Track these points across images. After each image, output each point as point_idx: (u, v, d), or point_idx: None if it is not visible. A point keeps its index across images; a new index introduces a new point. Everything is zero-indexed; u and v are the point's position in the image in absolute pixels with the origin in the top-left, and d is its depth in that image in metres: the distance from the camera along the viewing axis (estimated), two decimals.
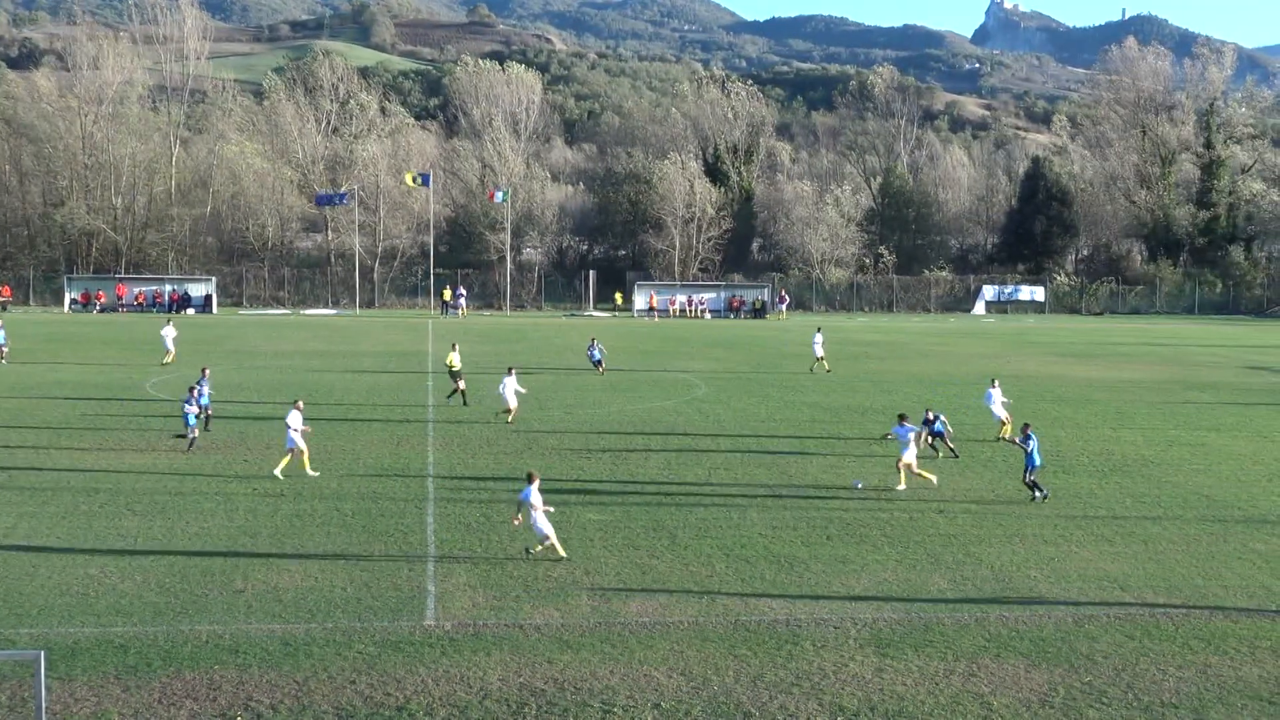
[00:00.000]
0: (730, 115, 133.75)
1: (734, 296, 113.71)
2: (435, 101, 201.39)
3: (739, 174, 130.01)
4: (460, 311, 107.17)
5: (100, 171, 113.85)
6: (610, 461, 38.47)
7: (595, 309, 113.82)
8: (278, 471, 35.30)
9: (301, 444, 35.51)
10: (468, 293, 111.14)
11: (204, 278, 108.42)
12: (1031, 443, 32.96)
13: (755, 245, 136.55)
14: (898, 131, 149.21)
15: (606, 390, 54.37)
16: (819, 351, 64.46)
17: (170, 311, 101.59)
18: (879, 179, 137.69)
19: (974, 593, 25.38)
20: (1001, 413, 43.71)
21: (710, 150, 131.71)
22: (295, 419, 35.41)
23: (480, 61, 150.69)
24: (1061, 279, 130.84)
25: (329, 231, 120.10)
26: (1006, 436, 42.48)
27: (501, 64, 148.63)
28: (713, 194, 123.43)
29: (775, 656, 21.61)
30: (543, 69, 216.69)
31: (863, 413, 49.34)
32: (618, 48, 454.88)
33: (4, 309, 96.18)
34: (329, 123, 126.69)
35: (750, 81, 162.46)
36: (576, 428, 44.64)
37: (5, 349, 61.84)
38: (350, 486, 34.11)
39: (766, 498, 33.71)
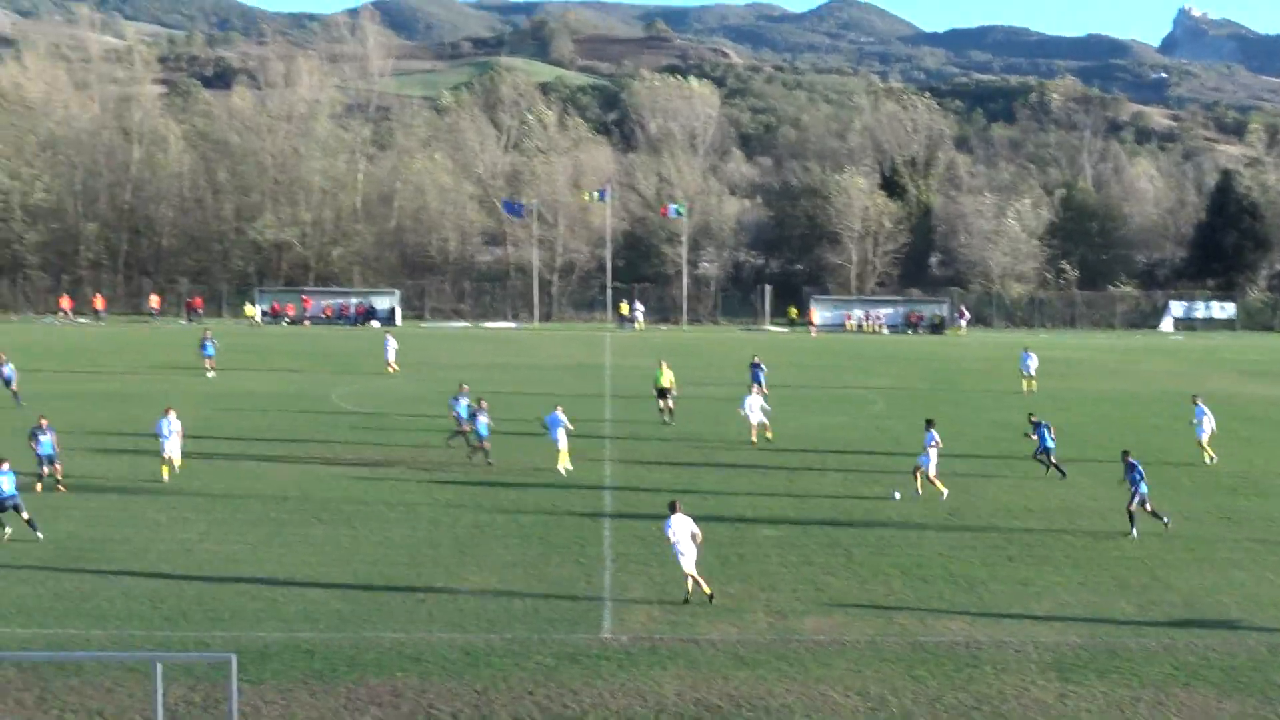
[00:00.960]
0: (908, 128, 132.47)
1: (912, 312, 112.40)
2: (612, 116, 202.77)
3: (917, 187, 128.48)
4: (637, 325, 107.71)
5: (290, 187, 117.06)
6: (786, 477, 38.36)
7: (771, 324, 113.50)
8: (560, 468, 37.93)
9: (563, 442, 38.28)
10: (644, 306, 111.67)
11: (388, 291, 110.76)
12: (1137, 470, 31.65)
13: (934, 260, 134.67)
14: (1081, 143, 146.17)
15: (783, 405, 54.14)
16: (1031, 370, 62.41)
17: (355, 324, 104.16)
18: (1061, 191, 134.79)
19: (1161, 618, 24.72)
20: (1206, 433, 42.23)
21: (887, 163, 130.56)
22: (561, 417, 38.59)
23: (657, 76, 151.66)
24: (1254, 295, 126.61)
25: (508, 245, 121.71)
26: (1210, 457, 41.47)
27: (683, 77, 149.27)
28: (890, 208, 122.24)
29: (954, 678, 21.32)
30: (719, 82, 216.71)
31: None
32: (794, 61, 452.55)
33: (255, 324, 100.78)
34: (509, 138, 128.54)
35: (928, 93, 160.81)
36: (755, 443, 44.56)
37: (210, 361, 63.86)
38: (529, 499, 34.54)
39: (945, 516, 33.29)
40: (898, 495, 35.14)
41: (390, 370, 66.38)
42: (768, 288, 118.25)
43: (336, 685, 20.79)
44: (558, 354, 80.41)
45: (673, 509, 25.71)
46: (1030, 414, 42.08)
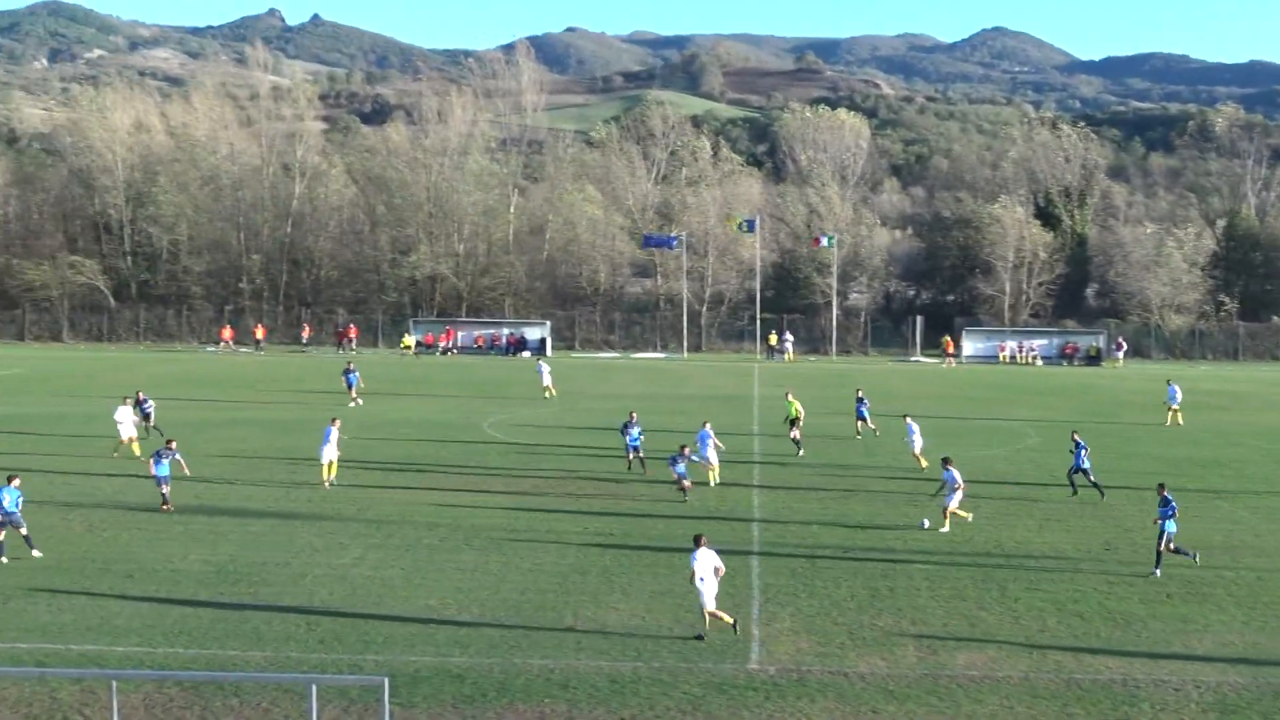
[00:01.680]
0: (1062, 157, 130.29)
1: (1067, 343, 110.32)
2: (762, 148, 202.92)
3: (1071, 217, 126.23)
4: (786, 356, 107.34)
5: (444, 220, 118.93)
6: (938, 509, 37.83)
7: (923, 355, 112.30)
8: (711, 481, 40.44)
9: (714, 460, 41.28)
10: (794, 337, 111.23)
11: (539, 321, 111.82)
12: (1169, 507, 30.44)
13: (1090, 290, 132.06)
14: (1243, 171, 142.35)
15: (934, 437, 53.45)
16: (1176, 402, 61.00)
17: (507, 354, 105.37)
18: (1222, 221, 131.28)
19: None
20: None
21: (1041, 193, 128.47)
22: (710, 433, 41.91)
23: (807, 107, 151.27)
24: None
25: (658, 276, 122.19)
26: None
27: (832, 109, 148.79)
28: (1045, 238, 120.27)
29: (1110, 717, 20.84)
30: (870, 114, 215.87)
31: (1205, 465, 47.13)
32: (946, 91, 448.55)
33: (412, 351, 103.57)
34: (659, 170, 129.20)
35: (1083, 123, 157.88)
36: (904, 473, 44.11)
37: (354, 390, 64.96)
38: (677, 529, 34.53)
39: (1101, 551, 32.57)
40: (926, 523, 35.00)
41: (548, 394, 68.38)
42: (919, 319, 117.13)
43: (486, 710, 20.99)
44: (707, 384, 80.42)
45: (697, 543, 25.61)
46: (1074, 431, 42.56)
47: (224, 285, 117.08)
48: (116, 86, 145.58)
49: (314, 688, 15.90)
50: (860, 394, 55.78)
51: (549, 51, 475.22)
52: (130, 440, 45.76)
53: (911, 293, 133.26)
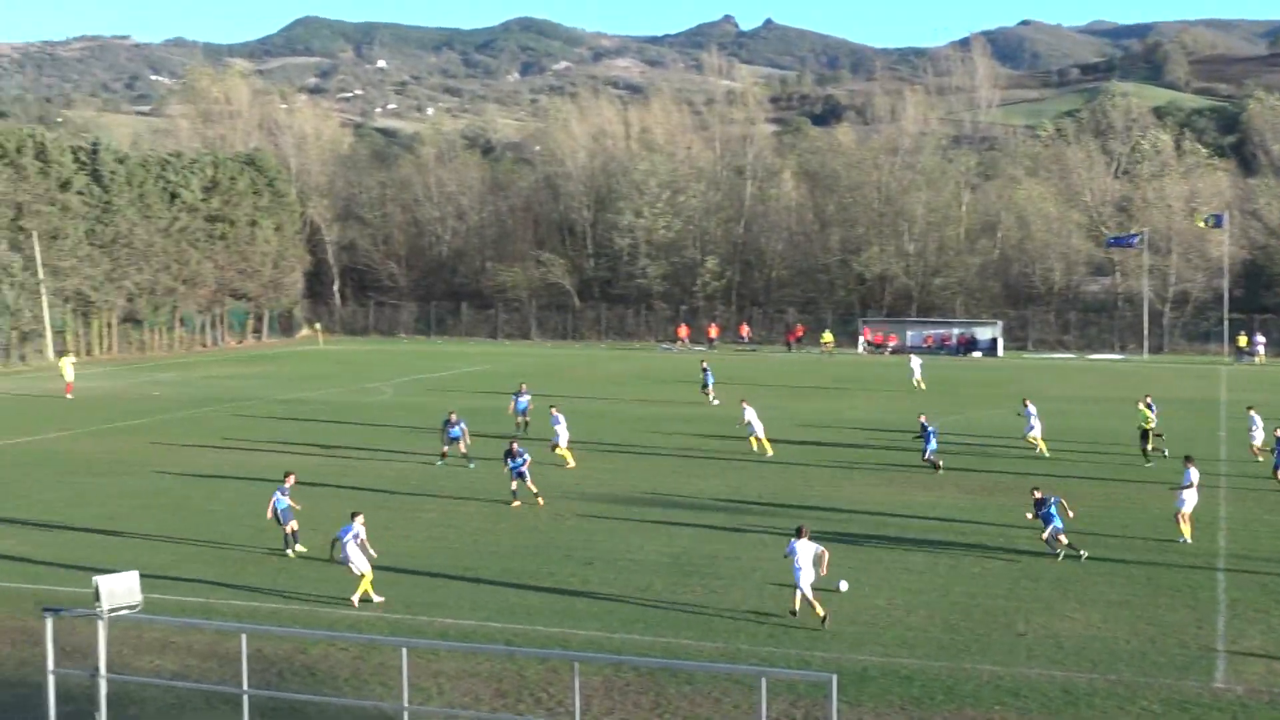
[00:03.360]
0: None
1: None
2: (1230, 139, 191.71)
3: None
4: (1257, 359, 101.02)
5: (894, 219, 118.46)
6: None
7: None
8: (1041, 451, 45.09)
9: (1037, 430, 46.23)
10: (1265, 339, 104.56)
11: (990, 321, 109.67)
12: None
13: None
14: None
15: None
16: None
17: (957, 354, 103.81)
18: None
19: None
20: None
21: None
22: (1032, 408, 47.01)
23: (1277, 95, 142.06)
24: None
25: (1116, 275, 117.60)
26: None
27: None
28: None
29: None
30: None
31: None
32: None
33: (794, 347, 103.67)
34: (1119, 164, 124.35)
35: None
36: None
37: (710, 390, 65.07)
38: (1135, 536, 33.20)
39: None
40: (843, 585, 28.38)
41: (919, 386, 71.51)
42: None
43: (933, 713, 20.88)
44: (1168, 388, 76.56)
45: (799, 534, 25.98)
46: (1250, 407, 42.40)
47: (680, 285, 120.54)
48: (581, 96, 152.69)
49: (764, 680, 16.19)
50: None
51: (1002, 46, 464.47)
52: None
53: None
